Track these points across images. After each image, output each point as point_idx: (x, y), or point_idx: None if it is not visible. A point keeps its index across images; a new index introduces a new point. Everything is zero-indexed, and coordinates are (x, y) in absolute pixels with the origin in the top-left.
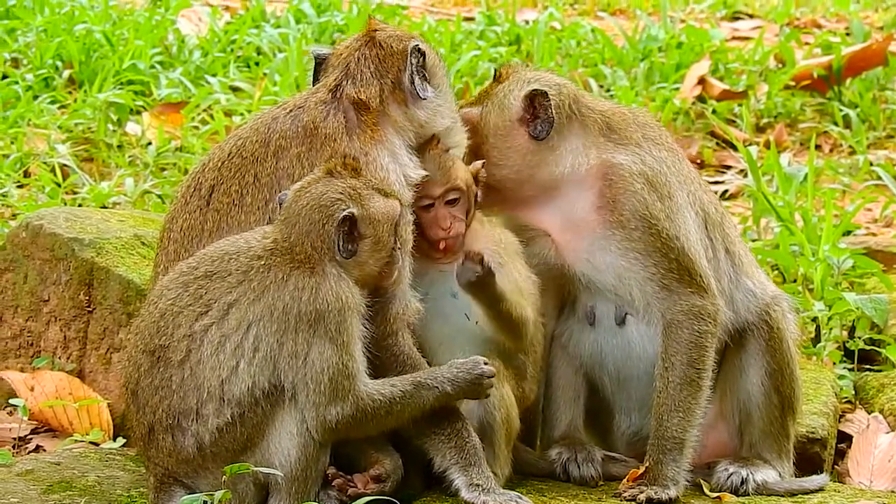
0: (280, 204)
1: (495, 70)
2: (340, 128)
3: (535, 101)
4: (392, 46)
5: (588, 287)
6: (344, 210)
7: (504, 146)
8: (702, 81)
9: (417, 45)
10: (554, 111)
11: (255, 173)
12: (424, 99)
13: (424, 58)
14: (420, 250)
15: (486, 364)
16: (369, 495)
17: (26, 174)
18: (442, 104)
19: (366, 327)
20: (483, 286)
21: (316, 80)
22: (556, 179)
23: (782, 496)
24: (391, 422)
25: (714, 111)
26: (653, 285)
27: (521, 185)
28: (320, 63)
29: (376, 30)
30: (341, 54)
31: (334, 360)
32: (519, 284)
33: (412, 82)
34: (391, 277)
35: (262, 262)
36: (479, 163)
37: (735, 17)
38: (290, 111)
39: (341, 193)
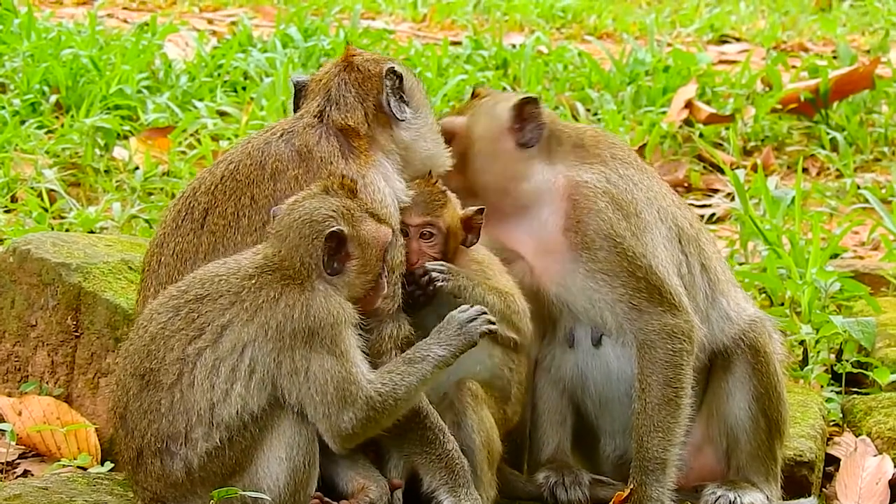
0: (274, 217)
1: (473, 89)
2: (335, 151)
3: (525, 110)
4: (369, 70)
5: (563, 310)
6: (333, 226)
7: (490, 152)
8: (689, 105)
9: (393, 66)
10: (545, 119)
11: (251, 195)
12: (403, 120)
13: (401, 80)
14: None
15: (462, 311)
16: None
17: (13, 199)
18: (423, 125)
19: (361, 336)
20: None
21: (297, 107)
22: (528, 195)
23: None
24: (403, 407)
25: (701, 135)
26: (622, 306)
27: (501, 197)
28: (300, 90)
29: (354, 55)
30: (321, 80)
31: (336, 369)
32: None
33: (389, 104)
34: (374, 304)
35: (254, 282)
36: (473, 208)
37: (722, 41)
38: (282, 135)
39: (334, 211)
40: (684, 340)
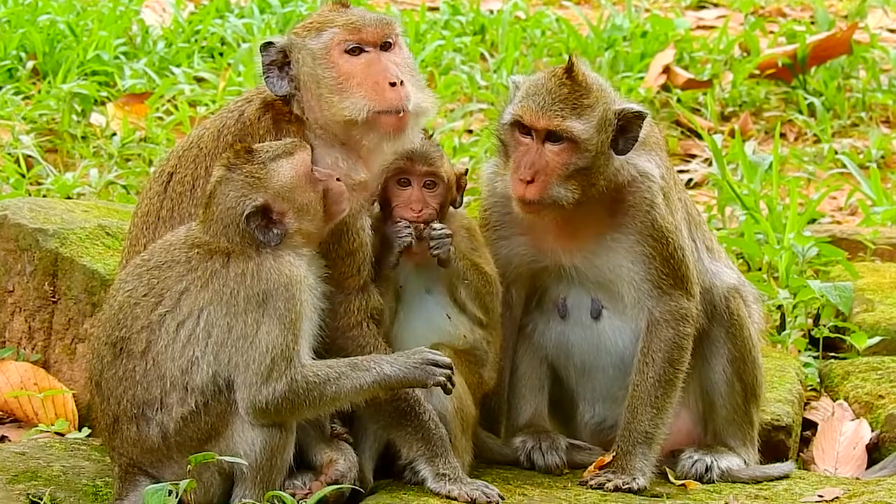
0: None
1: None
2: (269, 125)
3: (629, 119)
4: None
5: (573, 280)
6: (248, 206)
7: (593, 157)
8: (666, 70)
9: (267, 42)
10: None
11: (206, 167)
12: (284, 96)
13: (284, 54)
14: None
15: (433, 353)
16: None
17: None
18: (310, 97)
19: (321, 304)
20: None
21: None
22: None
23: (747, 483)
24: (326, 404)
25: (679, 100)
26: (648, 285)
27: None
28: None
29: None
30: None
31: (280, 339)
32: (490, 266)
33: (265, 81)
34: (341, 208)
35: (198, 252)
36: (461, 168)
37: (700, 6)
38: (239, 105)
39: (241, 188)
40: (690, 325)
